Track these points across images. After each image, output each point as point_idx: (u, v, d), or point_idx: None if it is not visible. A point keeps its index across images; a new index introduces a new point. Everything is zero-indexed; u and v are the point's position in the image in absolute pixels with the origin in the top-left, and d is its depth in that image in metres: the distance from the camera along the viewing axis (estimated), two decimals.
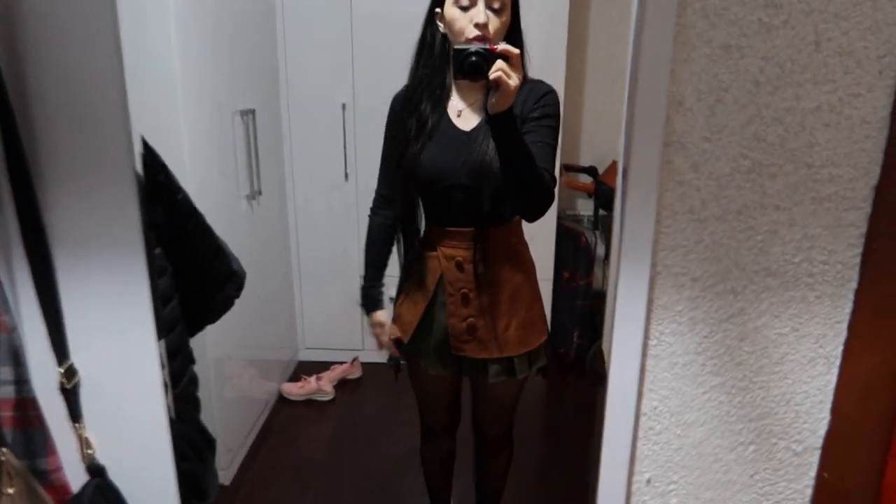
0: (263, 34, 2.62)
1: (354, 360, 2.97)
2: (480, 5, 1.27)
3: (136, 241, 0.90)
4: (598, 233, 3.02)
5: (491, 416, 1.65)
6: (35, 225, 0.89)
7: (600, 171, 3.03)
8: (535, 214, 1.34)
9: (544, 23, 2.62)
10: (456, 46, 1.20)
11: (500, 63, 1.12)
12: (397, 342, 1.56)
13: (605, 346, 0.97)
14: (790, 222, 0.89)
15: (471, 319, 1.42)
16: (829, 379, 0.95)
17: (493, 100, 1.15)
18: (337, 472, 2.30)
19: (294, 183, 2.91)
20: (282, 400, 2.77)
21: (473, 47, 1.16)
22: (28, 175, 0.88)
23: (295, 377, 2.90)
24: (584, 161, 3.12)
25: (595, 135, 3.12)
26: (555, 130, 1.35)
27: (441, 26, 1.36)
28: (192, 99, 1.97)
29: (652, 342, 0.95)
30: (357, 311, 2.96)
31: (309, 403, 2.76)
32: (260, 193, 2.48)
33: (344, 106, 2.79)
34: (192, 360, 1.26)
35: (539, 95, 1.34)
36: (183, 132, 1.93)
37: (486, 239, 1.39)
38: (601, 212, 2.98)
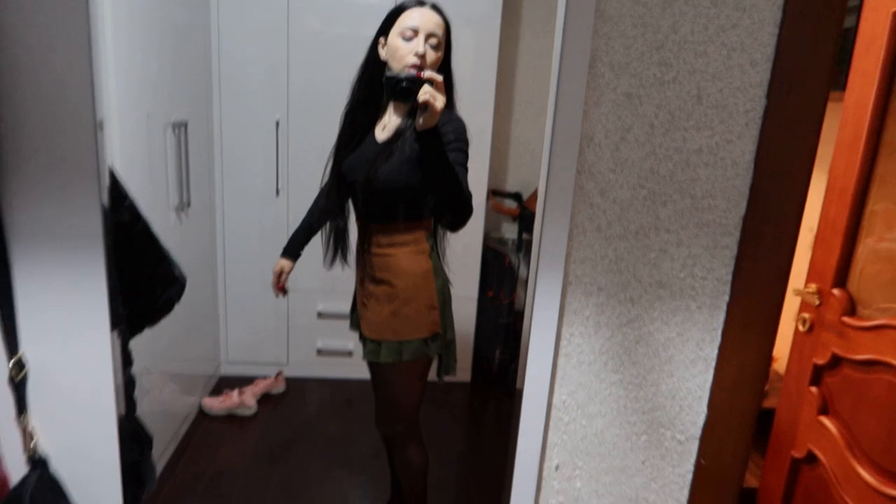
0: (199, 47, 2.64)
1: (279, 374, 2.98)
2: (421, 39, 1.48)
3: (96, 233, 0.95)
4: (521, 255, 3.20)
5: (376, 398, 1.78)
6: None
7: (525, 196, 3.22)
8: (457, 222, 1.51)
9: (476, 59, 2.79)
10: (387, 74, 1.38)
11: (426, 87, 1.31)
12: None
13: (522, 349, 1.10)
14: (678, 243, 1.06)
15: (363, 299, 1.68)
16: (706, 377, 1.12)
17: (421, 120, 1.32)
18: (257, 486, 2.30)
19: (224, 196, 2.91)
20: (202, 414, 2.74)
21: (403, 74, 1.35)
22: None
23: (217, 391, 2.88)
24: (511, 187, 3.31)
25: (521, 163, 3.31)
26: (465, 154, 1.54)
27: (382, 53, 1.55)
28: (124, 109, 1.98)
29: (563, 342, 1.09)
30: (283, 325, 3.03)
31: (231, 418, 2.74)
32: (189, 205, 2.48)
33: (278, 123, 2.84)
34: (130, 361, 1.29)
35: (450, 122, 1.53)
36: (115, 141, 1.94)
37: (372, 233, 1.63)
38: (524, 235, 3.16)
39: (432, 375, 1.73)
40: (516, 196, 3.23)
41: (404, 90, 1.32)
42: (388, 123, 1.60)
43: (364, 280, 1.67)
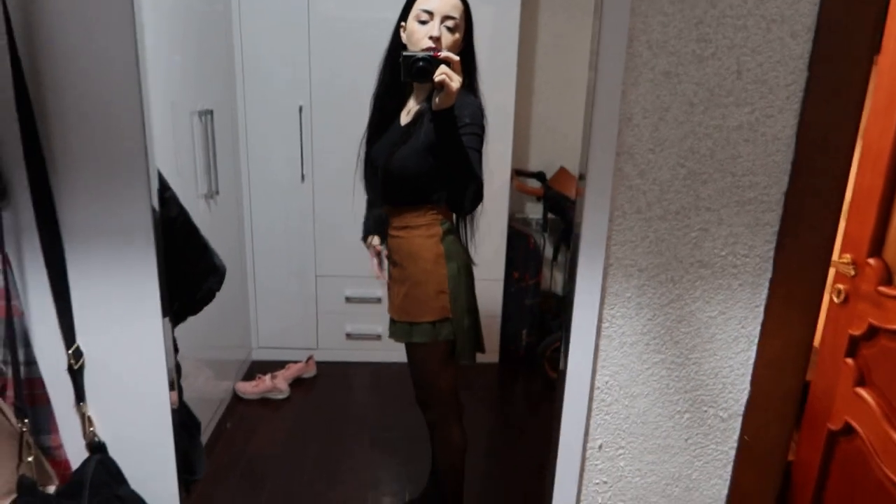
0: (221, 35, 2.65)
1: (309, 359, 3.02)
2: (436, 21, 1.47)
3: (146, 226, 0.97)
4: (546, 235, 3.19)
5: (413, 378, 1.80)
6: (49, 215, 0.96)
7: (548, 176, 3.20)
8: (468, 205, 1.53)
9: (496, 38, 2.77)
10: (404, 53, 1.36)
11: (443, 67, 1.31)
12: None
13: (564, 332, 1.11)
14: (718, 221, 1.06)
15: (389, 281, 1.74)
16: (749, 355, 1.12)
17: (438, 99, 1.33)
18: (291, 469, 2.35)
19: (251, 183, 2.95)
20: (236, 398, 2.79)
21: (420, 54, 1.34)
22: (44, 166, 0.94)
23: (249, 376, 2.93)
24: (534, 167, 3.28)
25: (543, 142, 3.28)
26: (480, 138, 1.53)
27: (404, 38, 1.55)
28: (151, 99, 1.99)
29: (605, 324, 1.09)
30: (312, 309, 3.07)
31: (264, 402, 2.79)
32: (217, 193, 2.51)
33: (301, 108, 2.85)
34: (177, 349, 1.32)
35: (468, 106, 1.51)
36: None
37: (390, 215, 1.66)
38: (549, 215, 3.15)
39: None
40: (540, 175, 3.20)
41: (420, 70, 1.32)
42: (412, 108, 1.61)
43: (389, 262, 1.74)
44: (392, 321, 1.73)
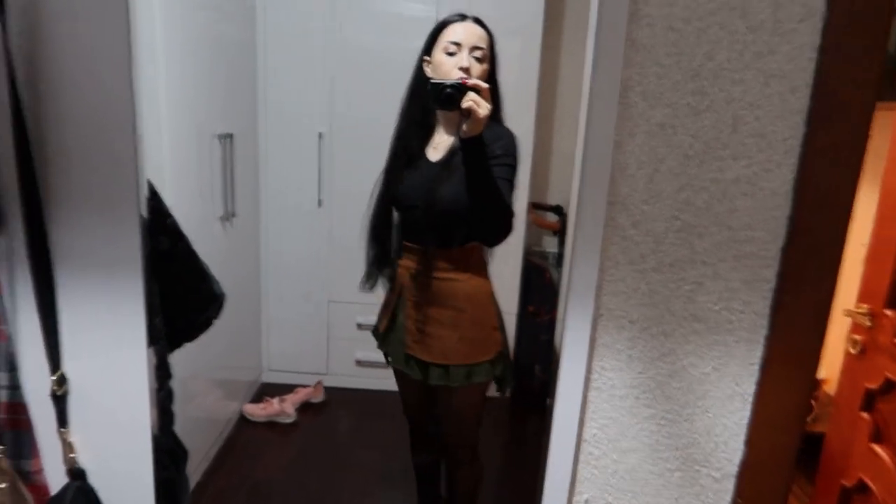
0: (245, 61, 2.71)
1: (318, 383, 3.02)
2: (465, 52, 1.47)
3: (135, 259, 0.98)
4: (562, 269, 3.15)
5: (442, 421, 1.77)
6: (41, 243, 0.97)
7: (566, 209, 3.17)
8: (495, 238, 1.48)
9: (518, 69, 2.78)
10: (433, 81, 1.35)
11: (471, 94, 1.29)
12: (375, 331, 1.80)
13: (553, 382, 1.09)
14: (714, 276, 1.03)
15: (419, 324, 1.60)
16: (744, 414, 1.08)
17: (465, 127, 1.31)
18: (295, 495, 2.33)
19: (268, 207, 2.98)
20: (243, 420, 2.80)
21: (448, 81, 1.33)
22: (38, 196, 0.96)
23: (258, 399, 2.94)
24: (552, 200, 3.27)
25: (562, 175, 3.26)
26: (512, 169, 1.51)
27: (429, 71, 1.54)
28: (175, 122, 2.05)
29: (594, 376, 1.07)
30: (323, 334, 3.07)
31: (271, 425, 2.79)
32: (234, 215, 2.55)
33: (321, 135, 2.89)
34: (170, 375, 1.33)
35: (502, 138, 1.51)
36: (165, 153, 2.00)
37: (435, 257, 1.57)
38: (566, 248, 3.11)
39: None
40: (557, 209, 3.18)
41: (448, 96, 1.30)
42: (440, 143, 1.58)
43: (422, 305, 1.61)
44: (433, 365, 1.61)
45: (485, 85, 1.31)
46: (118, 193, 0.97)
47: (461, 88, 1.30)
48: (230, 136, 2.47)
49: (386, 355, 1.77)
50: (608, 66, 0.93)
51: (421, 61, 1.57)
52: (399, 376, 1.80)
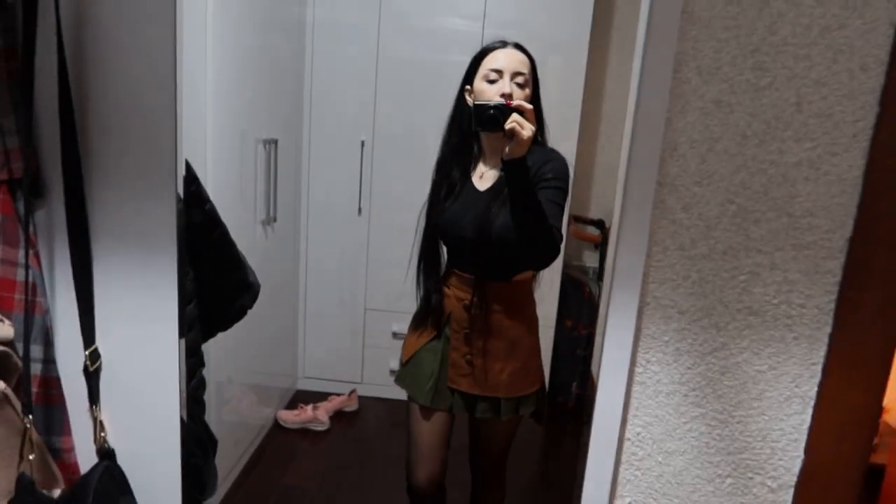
0: (292, 69, 2.75)
1: (352, 392, 2.99)
2: (506, 78, 1.43)
3: (170, 241, 0.98)
4: (601, 284, 3.08)
5: (481, 451, 1.73)
6: (80, 218, 0.97)
7: (608, 223, 3.11)
8: (542, 262, 1.46)
9: (562, 85, 2.75)
10: (476, 102, 1.34)
11: (515, 115, 1.26)
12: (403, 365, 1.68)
13: (593, 371, 1.03)
14: (771, 265, 0.96)
15: (468, 356, 1.54)
16: (803, 418, 1.00)
17: (509, 149, 1.28)
18: (325, 503, 2.30)
19: (308, 213, 3.00)
20: (277, 426, 2.78)
21: (492, 102, 1.31)
22: (79, 171, 0.96)
23: (292, 405, 2.92)
24: (594, 214, 3.21)
25: (604, 189, 3.20)
26: (563, 192, 1.46)
27: (470, 101, 1.50)
28: (220, 126, 2.08)
29: (638, 369, 1.00)
30: (358, 344, 3.05)
31: (304, 432, 2.77)
32: (275, 220, 2.56)
33: (363, 143, 2.90)
34: (202, 363, 1.32)
35: (552, 161, 1.46)
36: (209, 156, 2.03)
37: (488, 288, 1.51)
38: (606, 263, 3.04)
39: None
40: (599, 223, 3.12)
41: (491, 118, 1.28)
42: (485, 172, 1.54)
43: (472, 337, 1.53)
44: (481, 399, 1.55)
45: (528, 106, 1.28)
46: (155, 168, 0.97)
47: (505, 110, 1.28)
48: (275, 141, 2.50)
49: (411, 393, 1.64)
50: (661, 40, 0.89)
51: (462, 91, 1.54)
52: (424, 416, 1.62)
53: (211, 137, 2.04)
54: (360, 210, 2.96)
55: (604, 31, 3.01)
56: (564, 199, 1.46)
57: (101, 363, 1.02)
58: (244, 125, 2.25)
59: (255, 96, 2.34)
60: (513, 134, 1.26)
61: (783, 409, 1.00)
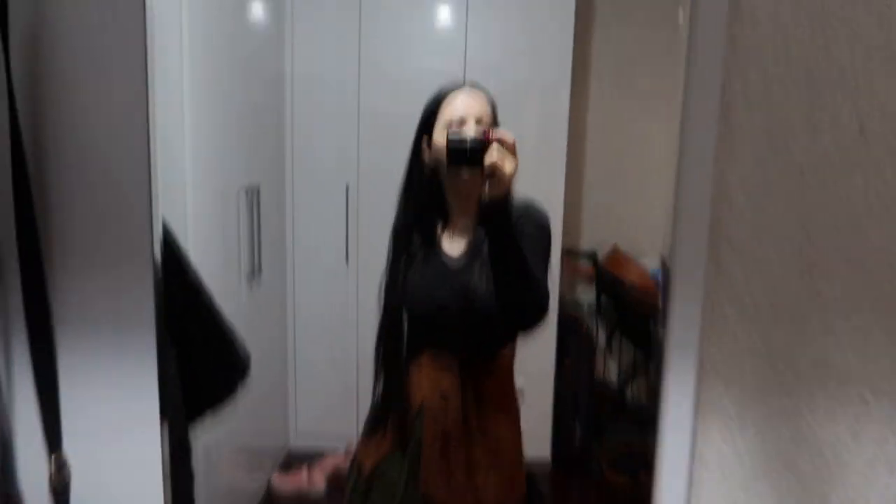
0: (273, 114, 2.70)
1: (348, 451, 2.83)
2: (470, 125, 1.26)
3: (148, 326, 0.84)
4: (598, 318, 2.97)
5: None
6: (39, 301, 0.83)
7: (600, 255, 3.01)
8: (530, 323, 1.24)
9: (546, 124, 2.72)
10: (450, 136, 1.16)
11: (494, 147, 1.09)
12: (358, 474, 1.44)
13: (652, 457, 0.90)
14: (846, 320, 0.85)
15: (440, 465, 1.30)
16: (890, 482, 0.87)
17: (489, 188, 1.10)
18: None
19: (294, 263, 2.89)
20: (271, 494, 2.61)
21: (469, 135, 1.15)
22: (39, 251, 0.82)
23: (286, 466, 2.77)
24: (585, 246, 3.11)
25: (596, 219, 3.12)
26: (547, 249, 1.31)
27: (428, 154, 1.33)
28: (200, 177, 1.99)
29: (699, 446, 0.88)
30: (352, 400, 2.89)
31: (300, 501, 2.59)
32: (260, 272, 2.45)
33: (348, 187, 2.81)
34: (188, 452, 1.16)
35: (531, 213, 1.31)
36: (189, 211, 1.92)
37: (470, 369, 1.30)
38: (602, 297, 2.94)
39: None
40: (591, 255, 3.02)
41: (468, 152, 1.11)
42: (456, 232, 1.34)
43: (449, 443, 1.30)
44: None
45: (510, 137, 1.09)
46: (128, 237, 0.83)
47: (484, 143, 1.10)
48: (256, 188, 2.39)
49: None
50: (706, 72, 0.79)
51: (418, 142, 1.34)
52: None
53: (191, 190, 1.93)
54: (347, 258, 2.84)
55: (583, 69, 3.00)
56: (548, 257, 1.31)
57: (68, 472, 0.86)
58: (225, 175, 2.17)
59: (235, 144, 2.26)
60: (493, 171, 1.08)
61: (866, 476, 0.87)
